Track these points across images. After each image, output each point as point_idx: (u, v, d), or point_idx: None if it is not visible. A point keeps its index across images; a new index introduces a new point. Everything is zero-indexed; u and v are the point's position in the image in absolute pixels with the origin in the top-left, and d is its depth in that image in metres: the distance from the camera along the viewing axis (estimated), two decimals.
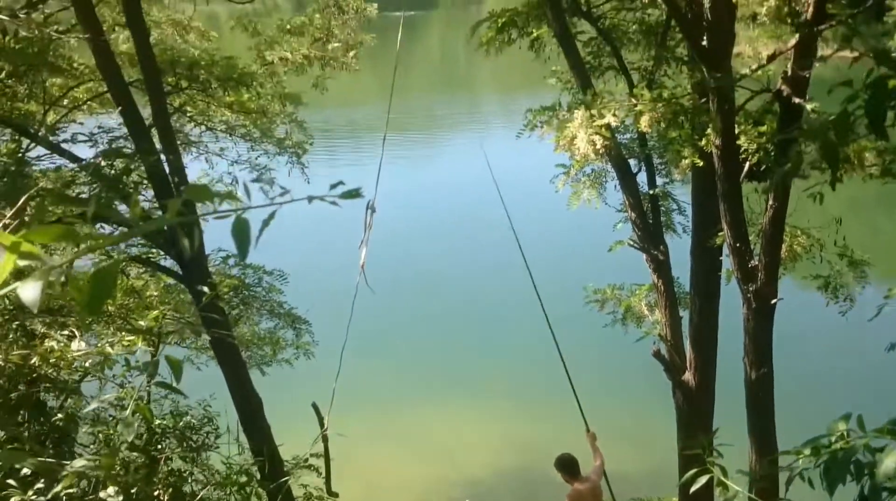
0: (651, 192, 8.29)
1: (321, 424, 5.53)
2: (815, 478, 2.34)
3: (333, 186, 1.39)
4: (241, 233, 1.26)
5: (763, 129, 6.03)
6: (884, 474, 1.75)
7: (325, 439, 5.75)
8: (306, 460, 7.13)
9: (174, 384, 2.47)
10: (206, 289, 3.19)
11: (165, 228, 4.06)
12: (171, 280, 6.50)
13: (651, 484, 10.76)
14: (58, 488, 2.21)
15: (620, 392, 8.22)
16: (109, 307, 5.36)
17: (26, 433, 2.77)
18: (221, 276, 7.82)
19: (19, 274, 1.08)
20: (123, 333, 2.90)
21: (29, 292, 1.08)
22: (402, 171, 30.12)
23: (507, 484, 12.45)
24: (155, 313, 2.90)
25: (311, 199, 1.35)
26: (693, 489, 2.87)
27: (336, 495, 5.95)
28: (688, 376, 7.60)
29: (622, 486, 10.02)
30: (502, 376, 16.08)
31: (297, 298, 9.53)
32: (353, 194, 1.69)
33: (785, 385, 6.52)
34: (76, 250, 1.15)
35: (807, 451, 2.14)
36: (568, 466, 7.53)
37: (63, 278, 1.09)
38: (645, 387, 8.46)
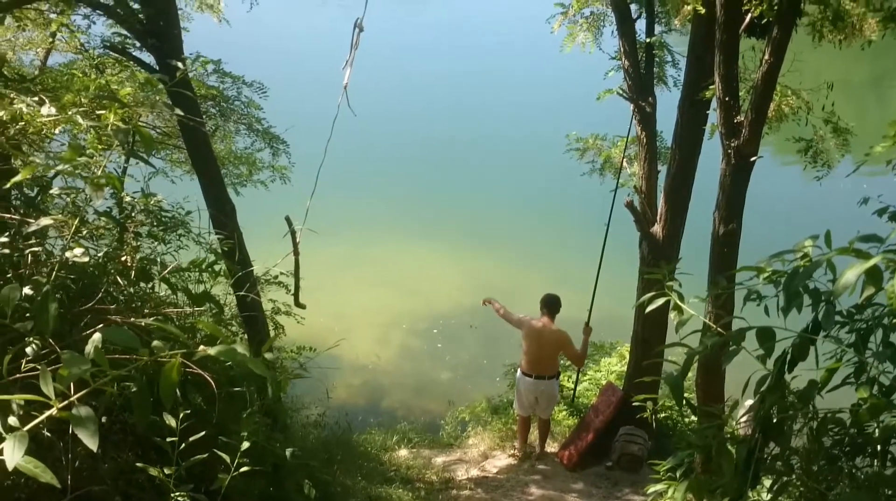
0: (648, 40, 8.09)
1: (293, 236, 5.55)
2: (771, 306, 2.40)
3: None
4: None
5: None
6: (842, 285, 1.79)
7: (296, 252, 5.79)
8: (276, 277, 7.28)
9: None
10: (179, 64, 3.07)
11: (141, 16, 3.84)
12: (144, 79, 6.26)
13: (607, 331, 11.19)
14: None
15: (587, 242, 8.36)
16: (82, 99, 5.20)
17: None
18: (199, 83, 7.60)
19: None
20: (95, 106, 2.81)
21: None
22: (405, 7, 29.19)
23: (471, 321, 12.84)
24: (128, 90, 2.82)
25: None
26: (649, 309, 2.96)
27: (303, 306, 6.07)
28: (656, 228, 7.72)
29: (580, 331, 10.36)
30: (472, 222, 16.31)
31: (277, 117, 9.35)
32: None
33: (749, 244, 6.63)
34: None
35: (768, 268, 2.18)
36: (545, 303, 7.79)
37: None
38: (611, 239, 8.60)
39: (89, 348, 1.56)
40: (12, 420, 1.41)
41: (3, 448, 1.34)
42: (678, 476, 2.49)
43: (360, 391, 12.20)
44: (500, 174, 17.93)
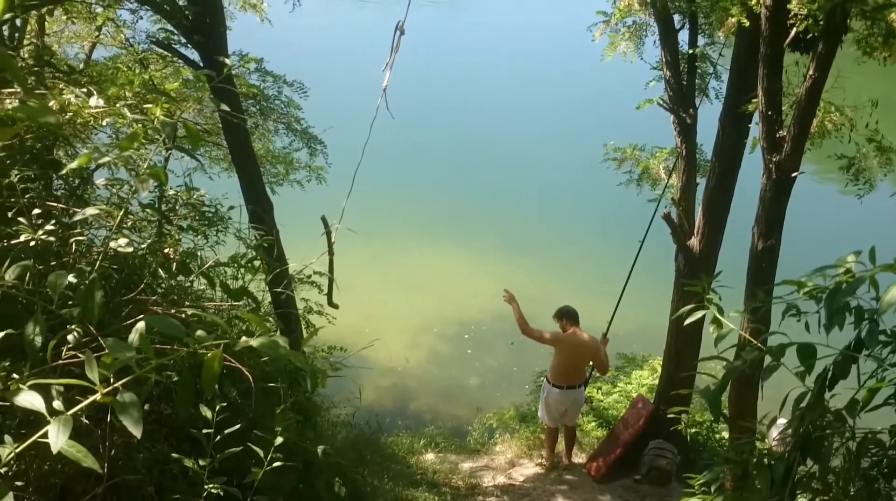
0: (690, 51, 8.01)
1: (328, 236, 5.59)
2: (812, 323, 2.35)
3: None
4: None
5: None
6: (888, 302, 1.75)
7: (331, 252, 5.83)
8: (309, 276, 7.33)
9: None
10: (226, 61, 3.11)
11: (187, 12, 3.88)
12: (189, 73, 6.35)
13: (640, 344, 11.10)
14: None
15: (619, 252, 8.31)
16: (127, 93, 5.29)
17: (39, 186, 2.79)
18: (242, 81, 7.69)
19: None
20: (141, 100, 2.86)
21: None
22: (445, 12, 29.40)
23: (499, 328, 12.79)
24: (175, 84, 2.86)
25: None
26: (688, 321, 2.91)
27: (336, 306, 6.11)
28: (693, 241, 7.63)
29: (611, 344, 10.34)
30: (506, 228, 16.27)
31: (314, 115, 9.41)
32: None
33: (788, 260, 6.54)
34: None
35: (810, 283, 2.13)
36: (565, 314, 7.74)
37: None
38: (646, 251, 8.53)
39: (133, 335, 1.58)
40: (57, 404, 1.43)
41: (47, 431, 1.36)
42: (712, 490, 2.45)
43: (388, 393, 12.21)
44: (535, 181, 17.88)
